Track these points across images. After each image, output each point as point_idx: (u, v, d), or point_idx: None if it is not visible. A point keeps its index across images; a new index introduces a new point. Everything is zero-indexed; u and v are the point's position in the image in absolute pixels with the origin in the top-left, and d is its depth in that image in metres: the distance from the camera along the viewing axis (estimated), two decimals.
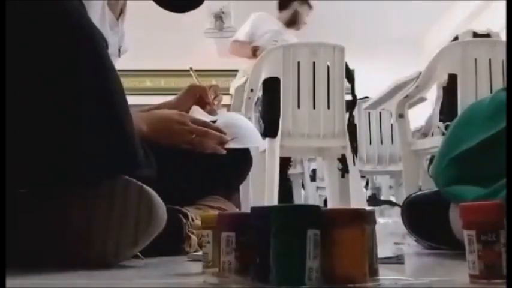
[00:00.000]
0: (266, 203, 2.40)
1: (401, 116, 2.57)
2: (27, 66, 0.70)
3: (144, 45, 5.51)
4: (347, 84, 2.70)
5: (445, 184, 0.86)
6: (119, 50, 1.20)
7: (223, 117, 1.26)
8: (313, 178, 4.35)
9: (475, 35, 2.49)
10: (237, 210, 1.44)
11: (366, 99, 3.49)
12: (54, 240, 0.75)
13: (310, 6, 3.90)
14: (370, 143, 3.66)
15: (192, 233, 0.99)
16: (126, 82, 1.04)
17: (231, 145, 1.18)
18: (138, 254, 0.79)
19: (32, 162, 0.74)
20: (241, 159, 1.27)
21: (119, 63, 1.09)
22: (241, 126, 1.27)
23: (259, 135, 1.37)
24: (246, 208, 2.52)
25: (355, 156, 2.69)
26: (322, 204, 3.81)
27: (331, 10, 5.82)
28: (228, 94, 3.83)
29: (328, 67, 2.56)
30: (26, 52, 0.70)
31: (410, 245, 1.06)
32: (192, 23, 4.95)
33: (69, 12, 0.73)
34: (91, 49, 0.74)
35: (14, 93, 0.69)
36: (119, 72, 0.80)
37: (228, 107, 3.75)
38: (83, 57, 0.73)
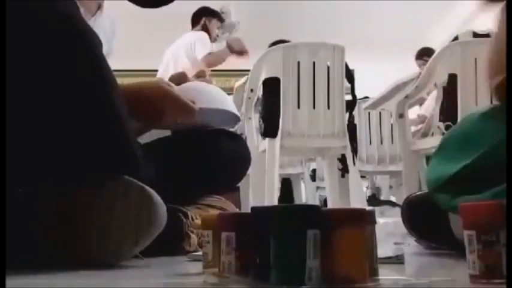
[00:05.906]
0: (266, 203, 2.40)
1: (401, 116, 2.57)
2: (26, 68, 0.70)
3: (144, 46, 5.51)
4: (347, 84, 2.70)
5: (446, 203, 0.86)
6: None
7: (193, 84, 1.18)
8: (313, 178, 4.34)
9: (475, 35, 2.49)
10: (237, 210, 1.44)
11: (366, 99, 3.49)
12: (54, 240, 0.75)
13: (220, 19, 3.96)
14: (370, 143, 3.65)
15: (192, 231, 0.99)
16: (124, 82, 1.03)
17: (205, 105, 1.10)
18: (138, 254, 0.79)
19: (33, 163, 0.74)
20: (241, 158, 1.26)
21: (119, 63, 1.08)
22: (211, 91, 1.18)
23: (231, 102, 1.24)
24: (246, 208, 2.52)
25: (355, 156, 2.69)
26: (322, 204, 3.80)
27: (331, 10, 5.82)
28: (230, 94, 3.85)
29: (328, 67, 2.56)
30: (24, 54, 0.70)
31: (410, 245, 1.06)
32: None
33: (66, 13, 0.73)
34: (88, 50, 0.74)
35: (14, 96, 0.69)
36: (118, 72, 0.80)
37: None
38: (81, 59, 0.73)
